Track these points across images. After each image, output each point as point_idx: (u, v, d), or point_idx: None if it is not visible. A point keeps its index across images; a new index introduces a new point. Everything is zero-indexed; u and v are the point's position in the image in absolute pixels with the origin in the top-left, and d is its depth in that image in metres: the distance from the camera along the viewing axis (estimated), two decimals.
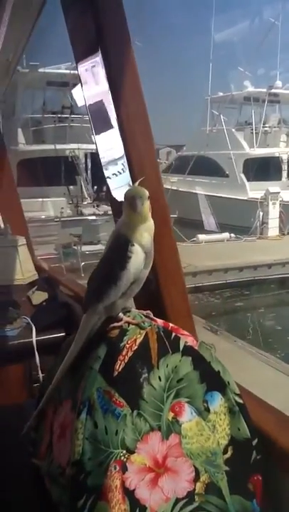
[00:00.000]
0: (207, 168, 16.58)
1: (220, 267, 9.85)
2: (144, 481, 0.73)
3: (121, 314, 0.84)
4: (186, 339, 0.83)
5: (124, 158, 1.01)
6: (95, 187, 12.77)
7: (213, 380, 0.81)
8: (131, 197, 0.80)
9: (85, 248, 9.40)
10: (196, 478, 0.76)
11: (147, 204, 0.80)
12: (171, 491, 0.74)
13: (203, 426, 0.78)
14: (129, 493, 0.71)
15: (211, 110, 18.01)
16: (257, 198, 13.33)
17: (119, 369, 0.77)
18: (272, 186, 13.32)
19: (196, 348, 0.83)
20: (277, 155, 16.08)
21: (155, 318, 0.85)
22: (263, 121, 16.69)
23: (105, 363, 0.77)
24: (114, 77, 0.97)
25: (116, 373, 0.76)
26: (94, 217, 10.70)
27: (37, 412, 0.90)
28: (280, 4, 19.16)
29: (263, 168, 15.76)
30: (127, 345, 0.79)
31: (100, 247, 9.26)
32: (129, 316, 0.84)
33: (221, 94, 18.55)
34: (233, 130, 16.97)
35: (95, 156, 10.87)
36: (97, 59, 1.01)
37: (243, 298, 10.08)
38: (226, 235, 12.14)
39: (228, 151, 15.95)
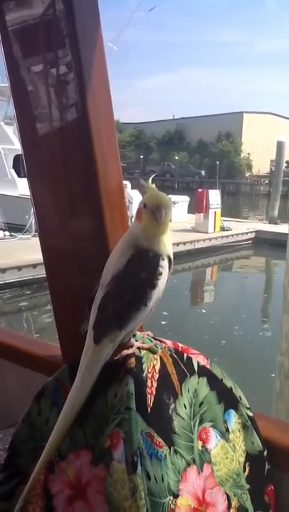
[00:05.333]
0: None
1: None
2: None
3: (132, 340, 0.72)
4: (198, 358, 0.77)
5: None
6: None
7: (227, 398, 0.78)
8: (155, 206, 0.69)
9: None
10: (229, 506, 0.71)
11: (170, 213, 0.71)
12: None
13: (227, 448, 0.75)
14: None
15: None
16: (28, 195, 13.16)
17: (151, 404, 0.67)
18: None
19: (208, 366, 0.78)
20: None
21: (163, 339, 0.77)
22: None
23: (138, 400, 0.66)
24: (82, 67, 0.83)
25: (149, 410, 0.66)
26: None
27: (34, 478, 0.69)
28: None
29: None
30: (149, 375, 0.69)
31: None
32: (137, 340, 0.74)
33: None
34: (2, 123, 16.36)
35: None
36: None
37: (24, 298, 9.97)
38: None
39: None
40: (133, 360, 0.70)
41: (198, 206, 14.78)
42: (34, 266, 9.88)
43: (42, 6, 0.84)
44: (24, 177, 14.96)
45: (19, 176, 15.32)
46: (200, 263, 13.53)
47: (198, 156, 44.58)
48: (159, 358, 0.72)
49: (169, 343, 0.77)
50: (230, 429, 0.77)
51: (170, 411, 0.69)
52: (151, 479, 0.62)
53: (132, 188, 13.63)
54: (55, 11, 0.83)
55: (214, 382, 0.77)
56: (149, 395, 0.67)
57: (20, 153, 15.27)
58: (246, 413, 0.80)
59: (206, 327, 8.47)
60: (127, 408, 0.65)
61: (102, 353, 0.70)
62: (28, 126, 0.93)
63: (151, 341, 0.75)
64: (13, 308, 9.52)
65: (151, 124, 51.97)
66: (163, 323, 8.63)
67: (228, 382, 0.79)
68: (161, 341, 0.77)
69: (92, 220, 0.90)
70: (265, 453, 0.80)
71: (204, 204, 14.43)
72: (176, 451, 0.67)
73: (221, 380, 0.79)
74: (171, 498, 0.63)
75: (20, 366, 1.08)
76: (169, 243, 0.72)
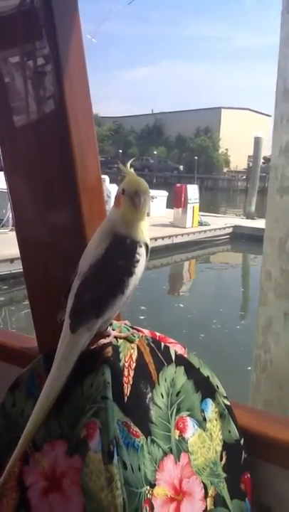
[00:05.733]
0: None
1: None
2: None
3: (109, 328, 0.71)
4: (175, 347, 0.77)
5: None
6: None
7: (204, 387, 0.78)
8: (134, 192, 0.68)
9: None
10: (206, 494, 0.71)
11: (149, 200, 0.70)
12: None
13: (204, 437, 0.74)
14: None
15: None
16: (5, 189, 13.00)
17: (128, 393, 0.66)
18: None
19: (186, 355, 0.77)
20: None
21: (141, 328, 0.76)
22: None
23: (114, 390, 0.65)
24: (60, 58, 0.81)
25: (126, 399, 0.65)
26: None
27: (8, 471, 0.68)
28: None
29: None
30: (126, 364, 0.69)
31: None
32: (114, 329, 0.73)
33: None
34: None
35: None
36: None
37: (1, 292, 9.88)
38: None
39: None
40: (110, 349, 0.69)
41: (176, 201, 14.82)
42: (12, 261, 9.77)
43: None
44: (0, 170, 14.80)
45: None
46: (178, 258, 13.59)
47: (177, 150, 44.67)
48: (136, 347, 0.72)
49: (146, 332, 0.77)
50: (207, 418, 0.77)
51: (147, 400, 0.68)
52: (127, 469, 0.61)
53: (111, 182, 13.59)
54: (32, 1, 0.81)
55: (191, 371, 0.77)
56: (126, 384, 0.66)
57: None
58: (223, 402, 0.80)
59: (184, 321, 8.53)
60: (104, 397, 0.64)
61: (78, 342, 0.69)
62: (4, 117, 0.91)
63: (129, 330, 0.75)
64: None
65: (131, 119, 51.83)
66: (141, 317, 8.67)
67: (206, 371, 0.79)
68: (138, 330, 0.76)
69: (69, 211, 0.89)
70: (242, 441, 0.80)
71: (182, 199, 14.47)
72: (153, 441, 0.66)
73: (198, 369, 0.78)
74: (148, 487, 0.63)
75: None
76: (146, 230, 0.71)
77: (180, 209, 14.67)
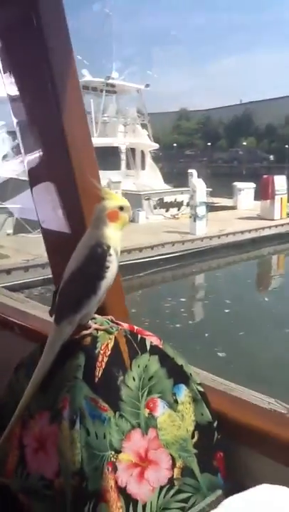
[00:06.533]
0: None
1: None
2: (132, 477, 0.78)
3: (90, 322, 0.86)
4: (151, 339, 0.89)
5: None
6: None
7: (178, 374, 0.89)
8: (128, 208, 0.85)
9: None
10: (173, 465, 0.83)
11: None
12: (156, 480, 0.80)
13: (174, 417, 0.86)
14: (122, 490, 0.75)
15: None
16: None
17: (99, 375, 0.80)
18: (113, 176, 13.78)
19: (161, 346, 0.89)
20: (116, 145, 16.61)
21: (120, 322, 0.89)
22: (102, 111, 17.03)
23: (86, 371, 0.79)
24: (51, 59, 0.96)
25: (97, 380, 0.79)
26: None
27: (8, 431, 0.86)
28: None
29: (102, 158, 16.09)
30: (101, 352, 0.82)
31: None
32: (96, 323, 0.87)
33: None
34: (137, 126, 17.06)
35: None
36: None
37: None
38: None
39: None
40: (88, 339, 0.84)
41: (263, 193, 14.50)
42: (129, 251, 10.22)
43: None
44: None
45: None
46: (265, 251, 13.29)
47: (267, 140, 43.28)
48: (113, 338, 0.85)
49: (125, 325, 0.90)
50: (179, 401, 0.88)
51: (118, 382, 0.81)
52: (90, 435, 0.75)
53: (198, 176, 13.67)
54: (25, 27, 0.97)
55: (165, 360, 0.88)
56: (98, 368, 0.80)
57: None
58: (196, 388, 0.90)
59: (268, 315, 8.41)
60: (75, 377, 0.79)
61: (62, 333, 0.84)
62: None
63: (109, 324, 0.88)
64: None
65: (219, 110, 51.16)
66: (226, 311, 8.70)
67: (180, 361, 0.90)
68: (118, 324, 0.89)
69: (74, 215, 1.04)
70: (216, 424, 0.90)
71: (270, 190, 14.12)
72: (121, 416, 0.79)
73: (173, 358, 0.90)
74: (113, 452, 0.76)
75: (28, 341, 1.24)
76: (120, 240, 0.87)
77: (267, 201, 14.33)
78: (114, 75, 17.78)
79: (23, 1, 0.96)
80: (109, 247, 0.83)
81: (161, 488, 0.80)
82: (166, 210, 14.64)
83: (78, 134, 1.00)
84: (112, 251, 0.84)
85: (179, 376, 0.89)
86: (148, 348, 0.87)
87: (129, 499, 0.76)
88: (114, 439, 0.77)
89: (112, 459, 0.76)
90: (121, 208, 0.86)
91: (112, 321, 0.89)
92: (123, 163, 16.64)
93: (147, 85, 18.15)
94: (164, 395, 0.86)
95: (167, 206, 14.70)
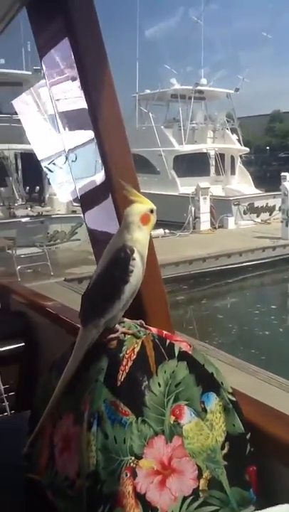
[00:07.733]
0: (138, 165, 16.60)
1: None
2: (153, 484, 0.76)
3: (117, 326, 0.86)
4: (180, 345, 0.87)
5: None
6: (27, 188, 12.41)
7: (207, 382, 0.86)
8: (151, 210, 0.85)
9: (20, 252, 9.10)
10: (200, 476, 0.80)
11: None
12: (179, 490, 0.78)
13: (202, 426, 0.83)
14: (141, 497, 0.75)
15: (140, 107, 18.19)
16: (188, 194, 13.68)
17: (122, 379, 0.80)
18: (202, 181, 13.73)
19: (190, 352, 0.87)
20: (204, 151, 16.55)
21: (149, 326, 0.89)
22: (190, 118, 17.10)
23: (109, 375, 0.80)
24: (88, 76, 0.99)
25: (119, 383, 0.79)
26: (28, 219, 10.40)
27: (38, 428, 0.90)
28: (202, 4, 19.45)
29: (191, 164, 16.14)
30: (126, 356, 0.82)
31: (35, 250, 9.06)
32: (124, 327, 0.87)
33: (148, 91, 18.79)
34: (162, 127, 17.23)
35: (27, 156, 10.70)
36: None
37: (182, 292, 10.35)
38: (160, 231, 12.29)
39: (158, 148, 16.19)
40: (114, 342, 0.84)
41: None
42: (190, 262, 10.24)
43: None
44: (184, 176, 15.76)
45: (178, 175, 16.00)
46: None
47: None
48: (140, 342, 0.85)
49: (154, 330, 0.89)
50: (208, 410, 0.85)
51: (142, 387, 0.81)
52: (108, 438, 0.75)
53: None
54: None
55: (194, 366, 0.86)
56: (121, 372, 0.80)
57: (179, 153, 16.26)
58: (228, 397, 0.87)
59: None
60: (96, 380, 0.80)
61: (87, 336, 0.86)
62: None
63: (137, 328, 0.88)
64: (171, 301, 9.95)
65: None
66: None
67: (210, 368, 0.87)
68: (147, 328, 0.89)
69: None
70: (248, 436, 0.86)
71: None
72: (144, 421, 0.79)
73: (203, 365, 0.87)
74: (133, 458, 0.76)
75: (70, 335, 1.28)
76: (147, 244, 0.87)
77: None
78: (202, 81, 17.77)
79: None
80: (132, 251, 0.83)
81: (185, 498, 0.78)
82: (257, 215, 14.27)
83: (115, 142, 1.02)
84: (136, 255, 0.83)
85: (209, 384, 0.87)
86: (176, 353, 0.86)
87: (148, 506, 0.75)
88: (135, 445, 0.77)
89: (132, 464, 0.75)
90: (151, 211, 0.86)
91: (141, 325, 0.89)
92: (212, 169, 16.53)
93: (237, 89, 17.87)
94: (192, 403, 0.84)
95: (258, 211, 14.34)
